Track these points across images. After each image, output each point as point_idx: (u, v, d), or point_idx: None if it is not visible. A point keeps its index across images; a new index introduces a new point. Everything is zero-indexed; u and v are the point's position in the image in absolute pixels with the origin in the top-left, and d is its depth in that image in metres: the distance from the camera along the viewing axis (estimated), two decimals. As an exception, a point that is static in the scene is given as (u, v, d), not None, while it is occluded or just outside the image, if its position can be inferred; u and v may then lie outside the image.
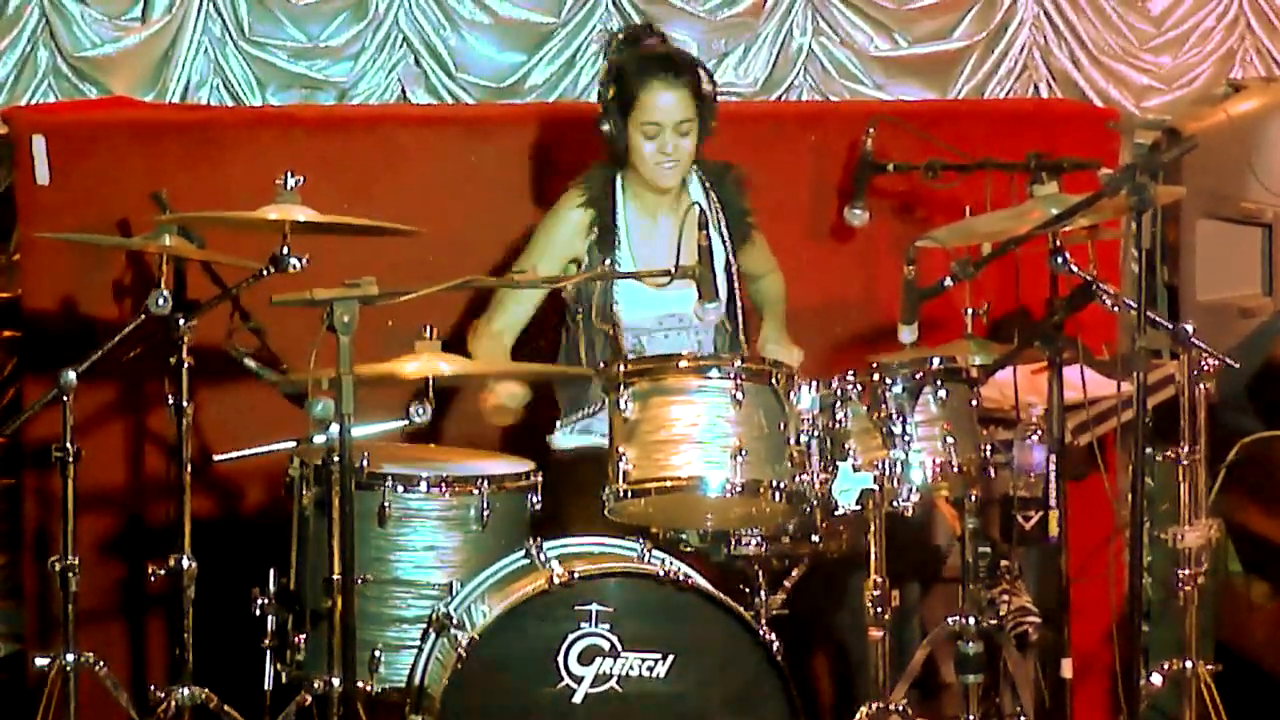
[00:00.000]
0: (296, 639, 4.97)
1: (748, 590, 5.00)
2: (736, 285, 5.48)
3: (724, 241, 5.46)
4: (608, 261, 5.41)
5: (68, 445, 5.01)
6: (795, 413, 4.81)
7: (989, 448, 4.97)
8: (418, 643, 4.87)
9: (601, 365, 5.27)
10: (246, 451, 4.86)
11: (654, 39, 5.48)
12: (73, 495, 5.03)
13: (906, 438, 4.86)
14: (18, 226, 5.97)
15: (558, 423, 5.52)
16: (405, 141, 6.04)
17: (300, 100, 6.97)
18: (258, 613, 5.05)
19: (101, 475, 5.67)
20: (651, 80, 5.32)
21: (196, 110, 6.68)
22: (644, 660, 4.70)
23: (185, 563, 5.02)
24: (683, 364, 4.79)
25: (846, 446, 4.85)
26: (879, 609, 4.79)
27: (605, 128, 5.37)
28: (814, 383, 4.86)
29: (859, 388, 4.88)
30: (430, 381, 4.73)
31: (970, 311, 5.38)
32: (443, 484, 4.96)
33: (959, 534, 5.13)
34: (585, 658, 4.69)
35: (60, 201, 5.75)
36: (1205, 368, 5.10)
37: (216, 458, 4.91)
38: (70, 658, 5.06)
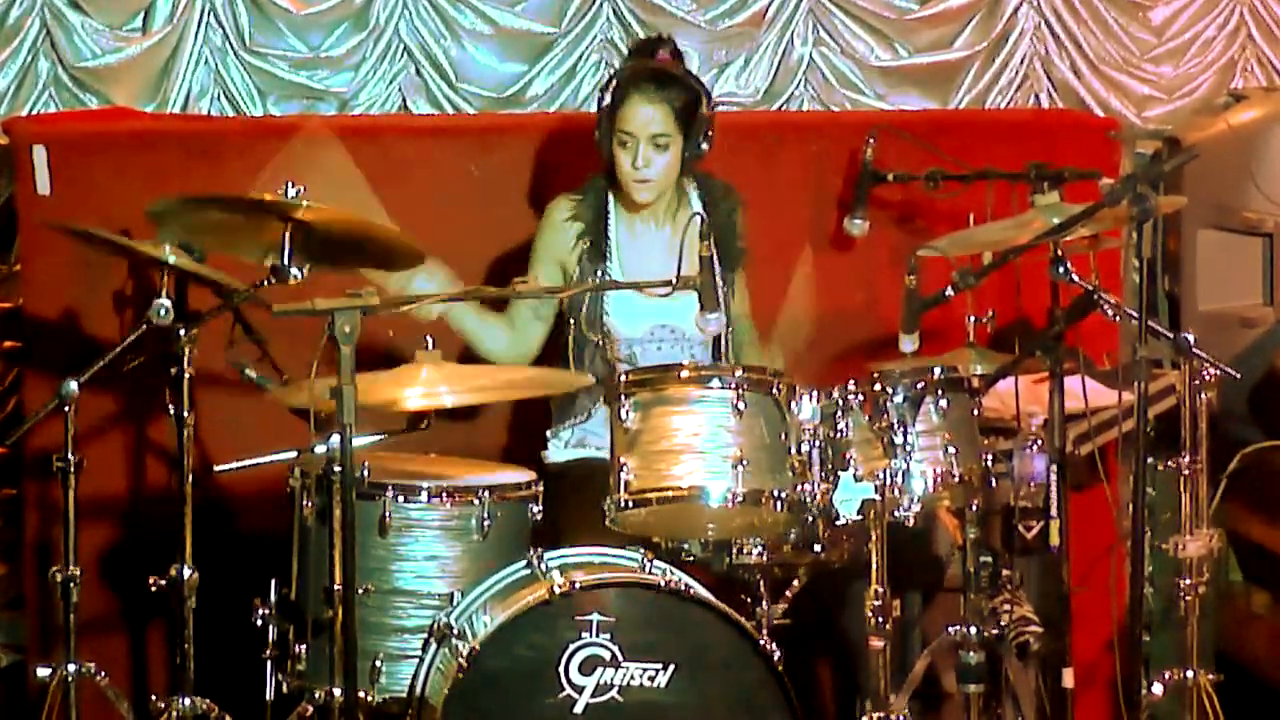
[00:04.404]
0: (297, 649, 4.97)
1: (749, 600, 5.00)
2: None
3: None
4: (598, 272, 5.42)
5: (69, 455, 5.01)
6: (796, 422, 4.81)
7: (990, 457, 4.97)
8: (419, 653, 4.87)
9: (591, 375, 5.28)
10: (247, 462, 4.86)
11: (663, 50, 5.49)
12: (74, 505, 5.03)
13: (908, 447, 4.86)
14: (18, 236, 5.97)
15: (548, 433, 5.52)
16: (406, 152, 6.03)
17: (301, 110, 6.97)
18: (259, 623, 5.05)
19: (103, 485, 5.67)
20: (632, 92, 5.36)
21: (197, 120, 6.67)
22: (645, 670, 4.70)
23: (186, 573, 5.02)
24: (684, 374, 4.79)
25: (848, 456, 4.84)
26: (880, 619, 4.79)
27: (595, 137, 5.41)
28: (815, 392, 4.85)
29: (860, 397, 4.88)
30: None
31: (972, 320, 5.39)
32: (444, 494, 4.96)
33: (960, 544, 5.13)
34: (586, 668, 4.69)
35: (61, 211, 5.74)
36: (1206, 377, 5.10)
37: (217, 468, 4.92)
38: (71, 668, 5.07)
